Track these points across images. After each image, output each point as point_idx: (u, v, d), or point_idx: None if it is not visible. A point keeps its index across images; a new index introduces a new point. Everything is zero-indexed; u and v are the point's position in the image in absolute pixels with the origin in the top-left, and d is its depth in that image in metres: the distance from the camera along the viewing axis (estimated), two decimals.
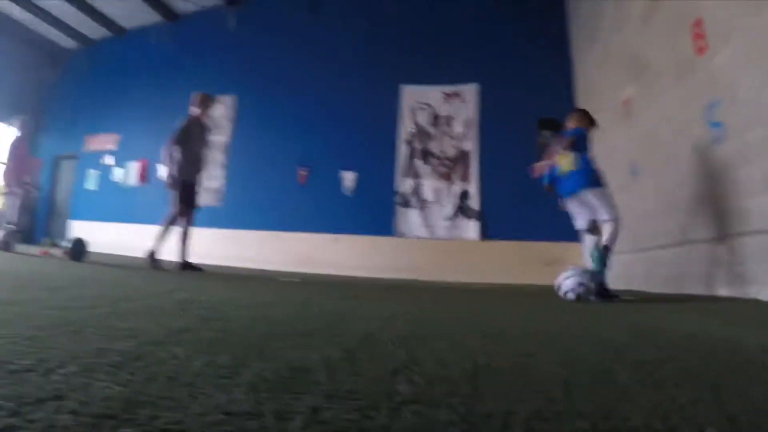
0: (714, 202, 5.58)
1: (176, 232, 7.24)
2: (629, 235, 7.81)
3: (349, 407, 0.97)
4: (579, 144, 5.59)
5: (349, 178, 12.37)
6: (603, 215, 5.42)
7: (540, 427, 0.89)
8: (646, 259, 7.40)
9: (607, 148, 9.03)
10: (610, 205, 5.42)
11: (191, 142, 7.26)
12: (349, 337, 1.89)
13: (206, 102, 7.57)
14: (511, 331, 2.31)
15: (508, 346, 1.87)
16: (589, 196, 5.49)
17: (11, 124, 9.36)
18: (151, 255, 7.04)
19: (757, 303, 4.34)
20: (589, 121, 5.98)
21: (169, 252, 7.27)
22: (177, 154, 7.07)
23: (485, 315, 3.31)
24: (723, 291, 5.28)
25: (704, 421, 0.93)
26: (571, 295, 4.84)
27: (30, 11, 15.44)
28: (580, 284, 4.85)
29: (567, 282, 4.94)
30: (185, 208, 7.23)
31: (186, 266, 7.16)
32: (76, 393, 0.93)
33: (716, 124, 5.46)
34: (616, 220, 5.35)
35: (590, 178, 5.51)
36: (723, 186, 5.38)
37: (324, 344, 1.69)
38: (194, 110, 7.45)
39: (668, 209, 6.71)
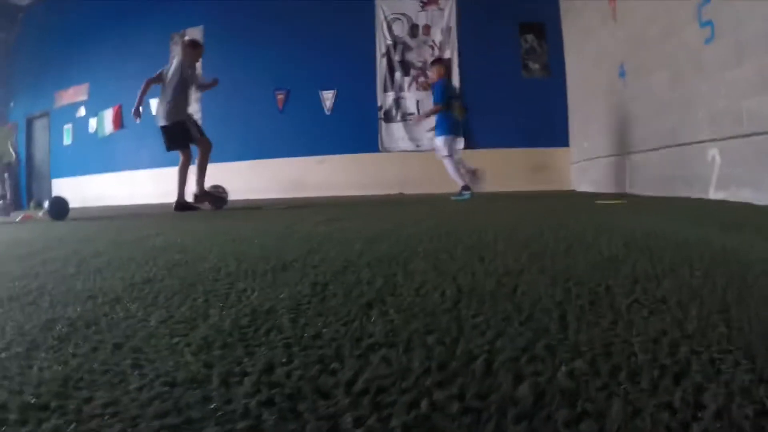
0: (705, 103, 5.41)
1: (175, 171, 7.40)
2: (618, 138, 7.73)
3: (309, 360, 0.86)
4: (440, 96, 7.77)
5: (328, 97, 12.13)
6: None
7: (530, 370, 0.77)
8: (636, 162, 7.29)
9: (594, 50, 8.85)
10: None
11: (186, 84, 7.31)
12: (324, 267, 1.79)
13: (193, 49, 7.61)
14: (499, 244, 2.20)
15: (496, 262, 1.76)
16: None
17: None
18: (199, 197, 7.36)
19: (749, 207, 4.19)
20: (445, 69, 8.27)
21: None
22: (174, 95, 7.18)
23: (472, 226, 3.20)
24: (714, 194, 5.19)
25: (716, 351, 0.81)
26: None
27: None
28: None
29: None
30: (183, 147, 7.38)
31: (183, 206, 7.22)
32: (11, 381, 0.83)
33: (707, 23, 5.26)
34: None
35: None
36: (715, 87, 5.22)
37: (296, 279, 1.59)
38: (183, 55, 7.43)
39: (658, 111, 6.53)
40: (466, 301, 1.21)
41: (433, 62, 8.56)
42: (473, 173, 7.78)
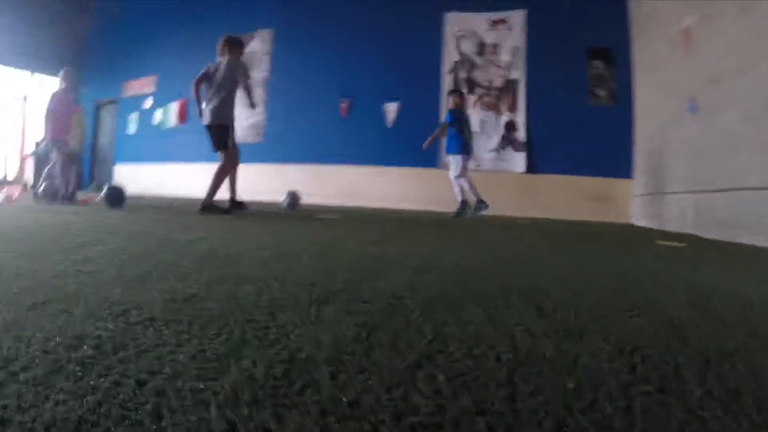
0: None
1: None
2: (682, 174, 7.48)
3: None
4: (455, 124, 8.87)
5: (392, 109, 12.12)
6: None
7: None
8: (699, 202, 7.01)
9: (663, 81, 8.63)
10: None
11: (236, 84, 7.33)
12: (371, 303, 1.69)
13: (237, 45, 7.54)
14: (559, 290, 2.09)
15: (554, 316, 1.64)
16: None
17: (58, 76, 9.15)
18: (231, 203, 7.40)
19: None
20: (461, 100, 9.29)
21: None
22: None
23: (527, 262, 3.09)
24: None
25: None
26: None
27: None
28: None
29: None
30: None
31: (237, 205, 7.38)
32: (24, 415, 0.76)
33: None
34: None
35: None
36: None
37: (340, 317, 1.50)
38: (230, 53, 7.35)
39: (726, 150, 6.23)
40: (523, 371, 1.09)
41: (451, 92, 9.62)
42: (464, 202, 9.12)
